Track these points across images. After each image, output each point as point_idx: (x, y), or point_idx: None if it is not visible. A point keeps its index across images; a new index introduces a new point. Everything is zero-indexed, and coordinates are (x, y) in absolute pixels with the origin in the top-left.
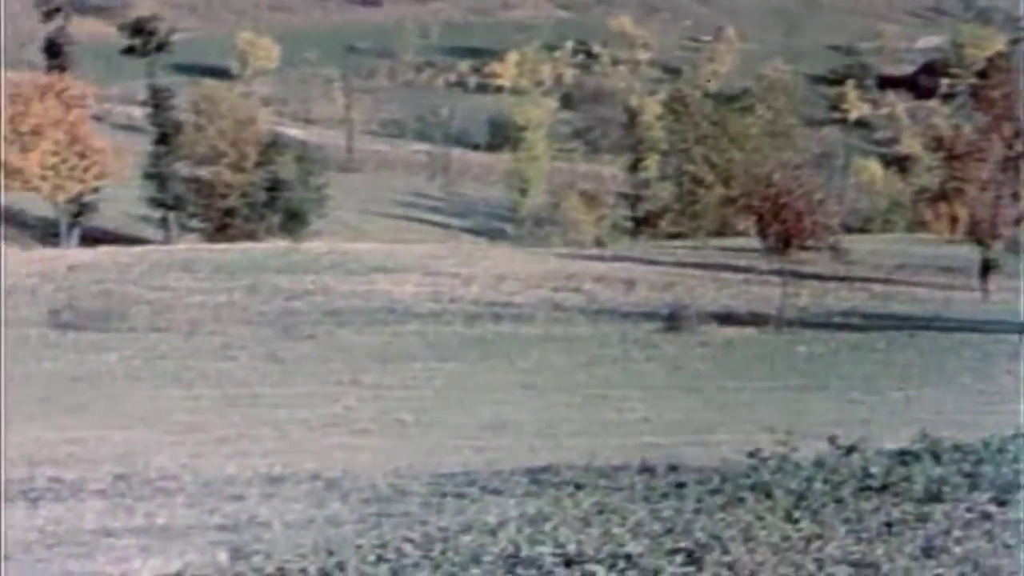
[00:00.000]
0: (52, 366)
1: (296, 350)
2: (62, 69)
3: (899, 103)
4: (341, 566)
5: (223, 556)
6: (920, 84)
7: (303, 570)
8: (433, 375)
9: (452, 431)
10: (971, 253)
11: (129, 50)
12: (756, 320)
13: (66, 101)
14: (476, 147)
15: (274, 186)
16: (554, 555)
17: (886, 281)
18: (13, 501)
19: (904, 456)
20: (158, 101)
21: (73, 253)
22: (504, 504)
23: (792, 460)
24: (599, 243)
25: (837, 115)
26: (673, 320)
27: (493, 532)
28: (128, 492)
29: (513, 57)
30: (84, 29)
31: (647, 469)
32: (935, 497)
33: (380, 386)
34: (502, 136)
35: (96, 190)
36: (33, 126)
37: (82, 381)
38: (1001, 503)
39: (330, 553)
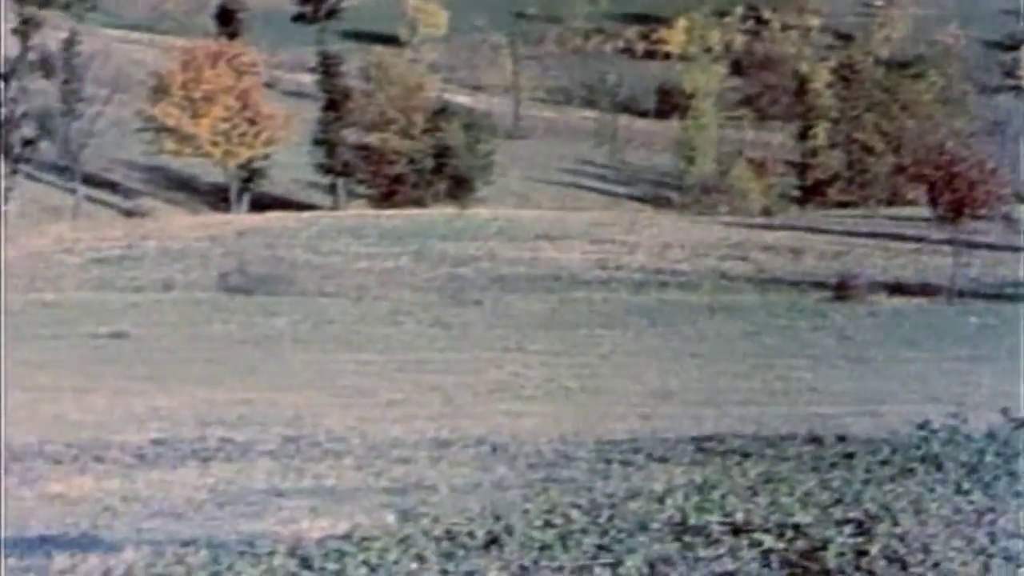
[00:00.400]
0: (222, 329)
1: (462, 316)
2: (233, 36)
3: None
4: (509, 530)
5: (391, 518)
6: None
7: (470, 533)
8: (599, 342)
9: (618, 398)
10: None
11: (299, 17)
12: (926, 290)
13: (237, 68)
14: (643, 114)
15: (441, 153)
16: (721, 523)
17: None
18: (184, 461)
19: None
20: (328, 68)
21: (243, 218)
22: (670, 472)
23: (963, 432)
24: (766, 212)
25: (1011, 82)
26: (842, 289)
27: (660, 499)
28: (297, 454)
29: (682, 23)
30: None
31: (814, 439)
32: None
33: (546, 352)
34: (670, 103)
35: (266, 156)
36: (205, 92)
37: (251, 344)
38: None
39: (497, 518)
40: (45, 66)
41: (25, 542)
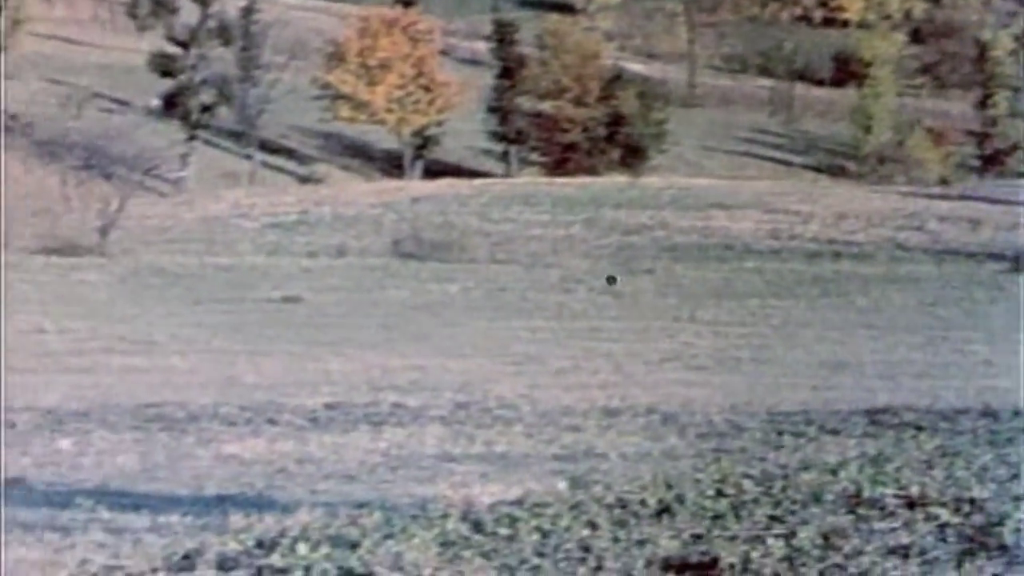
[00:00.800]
0: (395, 294)
1: (634, 284)
2: (409, 4)
3: None
4: (680, 499)
5: (562, 485)
6: None
7: (642, 501)
8: (770, 313)
9: (789, 369)
10: None
11: None
12: None
13: (413, 35)
14: (820, 82)
15: (615, 121)
16: (896, 496)
17: None
18: (356, 425)
19: None
20: (502, 35)
21: (416, 185)
22: (843, 444)
23: None
24: (943, 181)
25: None
26: (1020, 261)
27: (834, 471)
28: (468, 420)
29: None
30: None
31: (990, 413)
32: None
33: (717, 322)
34: (847, 71)
35: (439, 123)
36: (381, 60)
37: (423, 310)
38: None
39: (669, 486)
40: (224, 33)
41: (202, 501)
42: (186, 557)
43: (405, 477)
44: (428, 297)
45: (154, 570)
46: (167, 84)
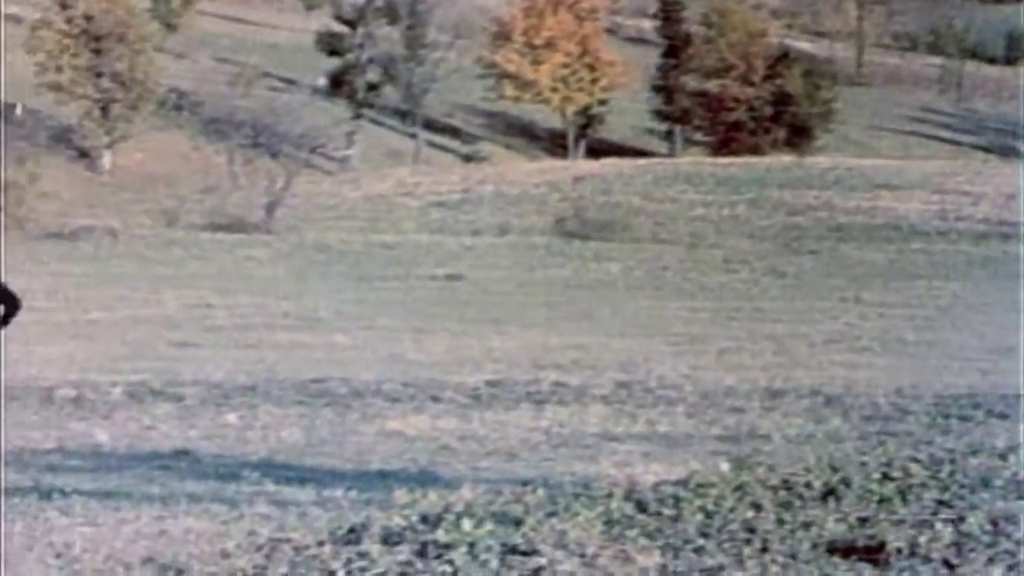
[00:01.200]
0: (557, 273)
1: (798, 265)
2: None
3: None
4: (846, 482)
5: (725, 466)
6: None
7: (807, 484)
8: (937, 294)
9: (956, 352)
10: None
11: None
12: None
13: (579, 14)
14: (992, 60)
15: (781, 100)
16: None
17: None
18: (518, 403)
19: None
20: (668, 13)
21: (580, 164)
22: (1012, 428)
23: None
24: None
25: None
26: None
27: (1002, 456)
28: (629, 399)
29: None
30: None
31: None
32: None
33: (883, 304)
34: (1019, 49)
35: (604, 102)
36: (546, 39)
37: (585, 289)
38: None
39: (834, 469)
40: (390, 12)
41: (365, 476)
42: (351, 531)
43: (567, 455)
44: (590, 276)
45: (320, 543)
46: (334, 63)
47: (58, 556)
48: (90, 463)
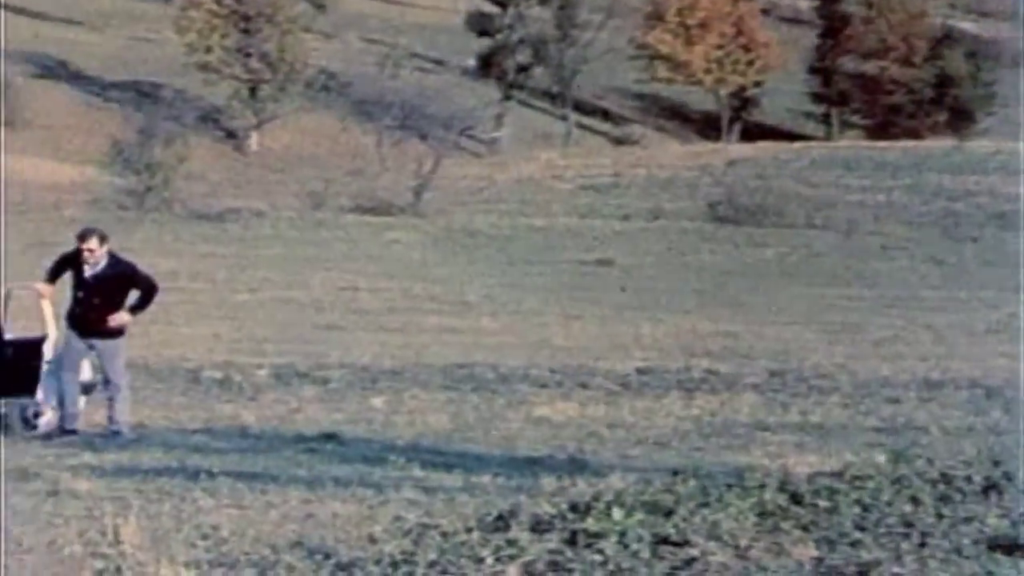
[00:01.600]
0: (709, 259)
1: (958, 252)
2: None
3: None
4: (1008, 476)
5: (881, 458)
6: None
7: (967, 478)
8: None
9: None
10: None
11: None
12: None
13: None
14: None
15: (942, 82)
16: None
17: None
18: (668, 390)
19: None
20: None
21: (733, 147)
22: None
23: None
24: None
25: None
26: None
27: None
28: (782, 388)
29: None
30: None
31: None
32: None
33: None
34: None
35: (759, 84)
36: (700, 19)
37: (738, 275)
38: None
39: (995, 463)
40: None
41: (513, 463)
42: (499, 518)
43: (718, 445)
44: (743, 262)
45: (468, 530)
46: (484, 44)
47: (205, 537)
48: (237, 444)
